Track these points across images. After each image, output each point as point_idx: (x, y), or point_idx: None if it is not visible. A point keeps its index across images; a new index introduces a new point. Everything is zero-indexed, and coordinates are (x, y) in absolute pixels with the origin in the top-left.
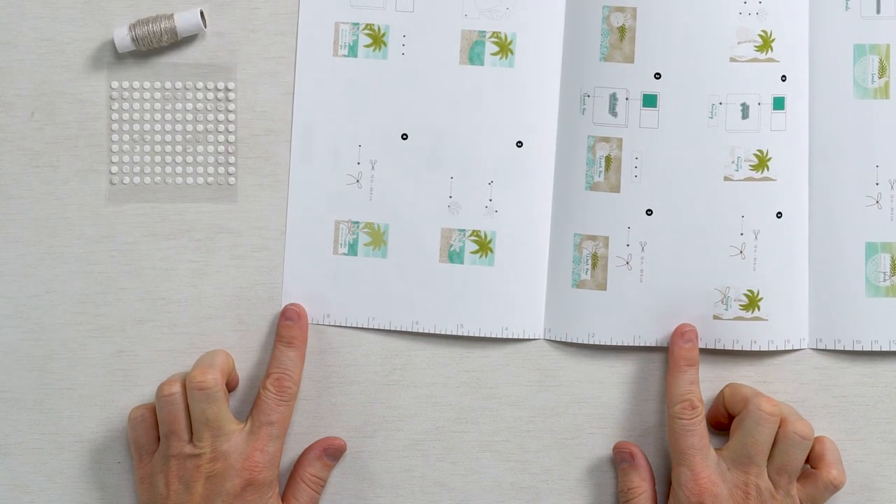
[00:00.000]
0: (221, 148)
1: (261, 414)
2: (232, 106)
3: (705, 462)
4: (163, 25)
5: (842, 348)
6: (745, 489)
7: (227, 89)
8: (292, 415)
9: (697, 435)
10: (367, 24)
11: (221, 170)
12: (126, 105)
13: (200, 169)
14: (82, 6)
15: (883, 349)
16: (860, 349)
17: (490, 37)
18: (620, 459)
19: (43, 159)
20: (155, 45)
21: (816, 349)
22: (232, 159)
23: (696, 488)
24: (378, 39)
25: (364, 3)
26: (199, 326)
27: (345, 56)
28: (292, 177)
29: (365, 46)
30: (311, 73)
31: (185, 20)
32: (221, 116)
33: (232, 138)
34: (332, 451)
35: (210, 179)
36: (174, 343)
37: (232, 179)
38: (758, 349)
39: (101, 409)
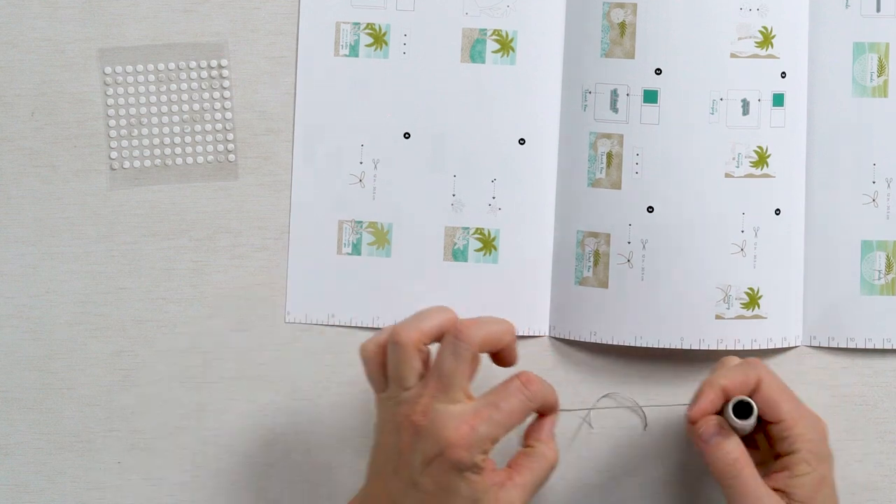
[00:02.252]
0: (219, 126)
1: (495, 395)
2: (227, 83)
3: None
4: None
5: (836, 346)
6: None
7: (220, 66)
8: (525, 419)
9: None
10: (367, 24)
11: (221, 147)
12: (121, 90)
13: (200, 148)
14: (82, 6)
15: (877, 347)
16: (854, 346)
17: (491, 34)
18: (709, 436)
19: (43, 159)
20: None
21: (812, 346)
22: (230, 136)
23: None
24: (379, 39)
25: (365, 3)
26: (199, 326)
27: (346, 56)
28: (295, 177)
29: (366, 46)
30: (313, 74)
31: None
32: (217, 94)
33: (229, 115)
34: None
35: (210, 158)
36: (174, 343)
37: (232, 157)
38: (758, 347)
39: (101, 409)
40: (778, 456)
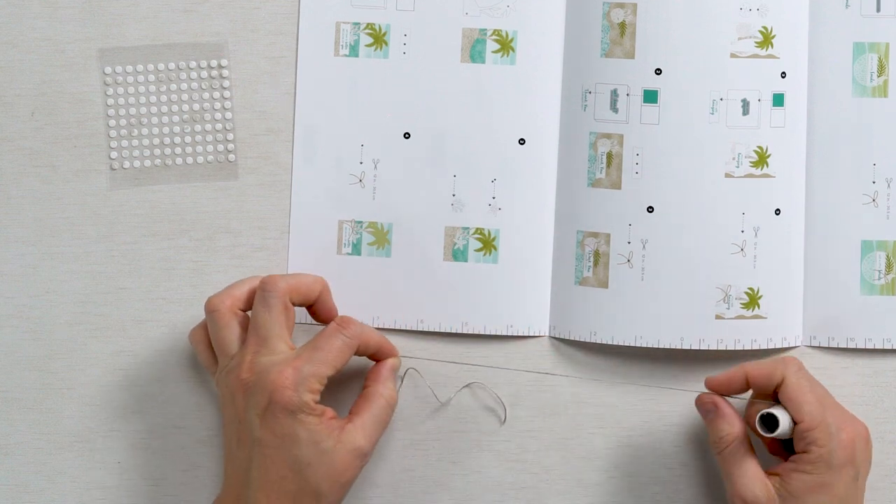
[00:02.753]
0: (219, 126)
1: (314, 338)
2: (227, 83)
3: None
4: None
5: (836, 346)
6: None
7: (220, 66)
8: (349, 359)
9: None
10: (367, 24)
11: (221, 147)
12: (121, 90)
13: (200, 148)
14: (82, 6)
15: (877, 347)
16: (854, 347)
17: (491, 34)
18: (706, 412)
19: (43, 159)
20: None
21: (812, 346)
22: (230, 136)
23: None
24: (379, 39)
25: (365, 3)
26: None
27: (346, 56)
28: (295, 177)
29: (366, 46)
30: (313, 74)
31: None
32: (217, 94)
33: (229, 115)
34: (397, 366)
35: (210, 158)
36: (174, 343)
37: (232, 157)
38: (758, 347)
39: (101, 409)
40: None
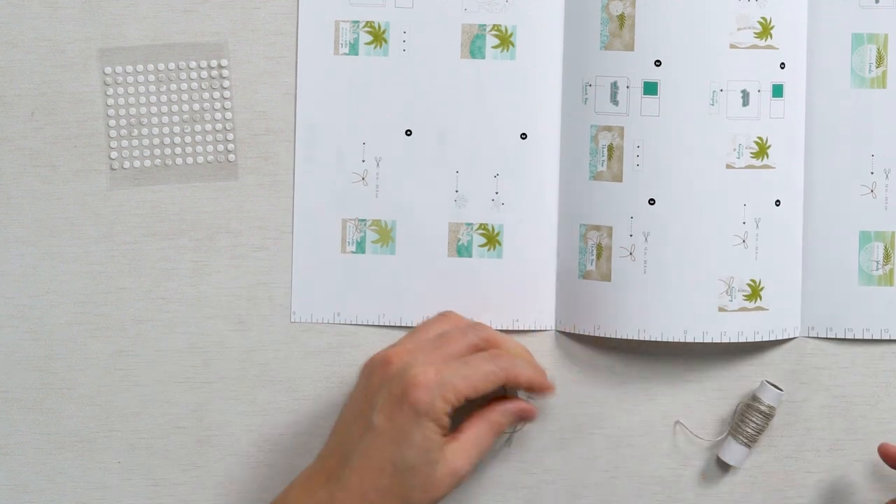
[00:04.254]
0: (219, 126)
1: (468, 356)
2: (227, 83)
3: None
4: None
5: (833, 336)
6: None
7: (220, 66)
8: (492, 389)
9: None
10: (367, 22)
11: (221, 147)
12: (121, 90)
13: (200, 148)
14: (82, 6)
15: (874, 338)
16: (852, 337)
17: (490, 30)
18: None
19: (43, 159)
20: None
21: (810, 337)
22: (230, 136)
23: None
24: (378, 37)
25: (363, 1)
26: (199, 326)
27: (346, 54)
28: (297, 177)
29: (366, 44)
30: (313, 73)
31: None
32: (217, 94)
33: (229, 115)
34: (525, 416)
35: (210, 158)
36: (174, 343)
37: (232, 156)
38: (760, 339)
39: (101, 409)
40: None
